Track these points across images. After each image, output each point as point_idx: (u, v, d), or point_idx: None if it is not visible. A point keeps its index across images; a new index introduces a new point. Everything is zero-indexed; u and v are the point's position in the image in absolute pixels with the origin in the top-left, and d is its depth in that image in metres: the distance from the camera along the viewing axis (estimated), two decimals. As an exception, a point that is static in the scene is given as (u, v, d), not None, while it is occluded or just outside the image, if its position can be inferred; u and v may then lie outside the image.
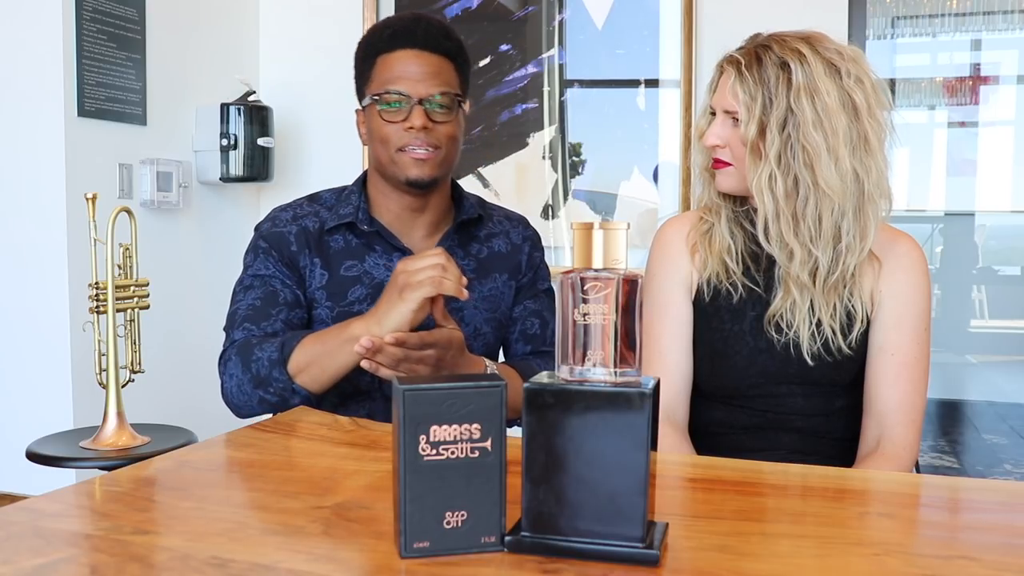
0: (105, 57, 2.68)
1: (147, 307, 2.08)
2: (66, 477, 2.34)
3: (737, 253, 1.35)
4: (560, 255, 3.22)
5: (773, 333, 1.32)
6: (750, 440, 1.36)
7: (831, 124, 1.23)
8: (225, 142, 3.02)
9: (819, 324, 1.30)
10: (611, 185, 3.20)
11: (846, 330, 1.31)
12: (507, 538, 0.74)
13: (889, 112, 1.29)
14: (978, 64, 4.28)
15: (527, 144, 3.23)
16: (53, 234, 2.56)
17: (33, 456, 1.94)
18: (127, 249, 2.05)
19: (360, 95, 1.50)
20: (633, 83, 3.15)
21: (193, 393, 2.69)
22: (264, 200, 3.35)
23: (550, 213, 3.22)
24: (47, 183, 2.57)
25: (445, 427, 0.72)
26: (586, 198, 3.22)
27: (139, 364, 2.09)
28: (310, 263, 1.47)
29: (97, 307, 1.98)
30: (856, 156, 1.24)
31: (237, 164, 3.05)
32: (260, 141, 3.08)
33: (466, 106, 1.49)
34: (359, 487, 0.92)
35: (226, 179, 3.06)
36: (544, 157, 3.22)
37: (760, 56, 1.27)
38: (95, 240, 1.99)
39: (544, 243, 1.67)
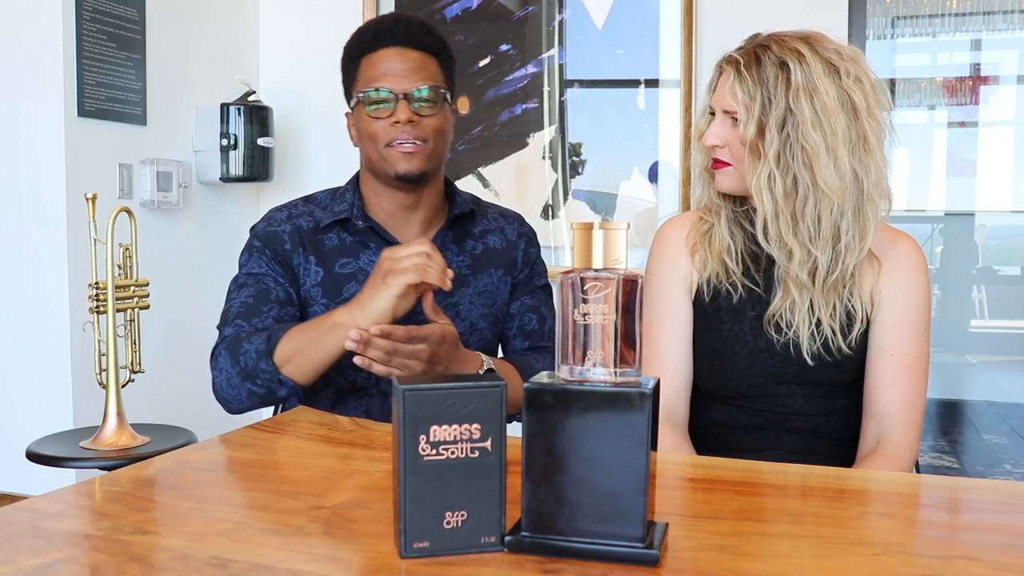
0: (105, 57, 2.68)
1: (147, 307, 2.08)
2: (66, 477, 2.34)
3: (737, 253, 1.35)
4: (560, 255, 3.22)
5: (773, 333, 1.32)
6: (750, 440, 1.36)
7: (830, 124, 1.23)
8: (225, 142, 3.02)
9: (819, 324, 1.30)
10: (611, 185, 3.20)
11: (846, 330, 1.31)
12: (507, 538, 0.74)
13: (888, 112, 1.29)
14: (978, 64, 4.27)
15: (527, 144, 3.23)
16: (53, 234, 2.56)
17: (33, 456, 1.94)
18: (127, 249, 2.06)
19: (348, 97, 1.51)
20: (633, 83, 3.15)
21: (193, 393, 2.68)
22: (264, 200, 3.35)
23: (550, 213, 3.22)
24: (47, 183, 2.57)
25: (445, 427, 0.72)
26: (586, 198, 3.22)
27: (139, 364, 2.09)
28: (304, 261, 1.48)
29: (97, 307, 1.98)
30: (855, 156, 1.24)
31: (237, 164, 3.05)
32: (260, 141, 3.08)
33: (459, 104, 1.50)
34: (359, 487, 0.92)
35: (226, 179, 3.06)
36: (544, 157, 3.22)
37: (759, 56, 1.27)
38: (95, 240, 1.99)
39: (544, 243, 1.68)
